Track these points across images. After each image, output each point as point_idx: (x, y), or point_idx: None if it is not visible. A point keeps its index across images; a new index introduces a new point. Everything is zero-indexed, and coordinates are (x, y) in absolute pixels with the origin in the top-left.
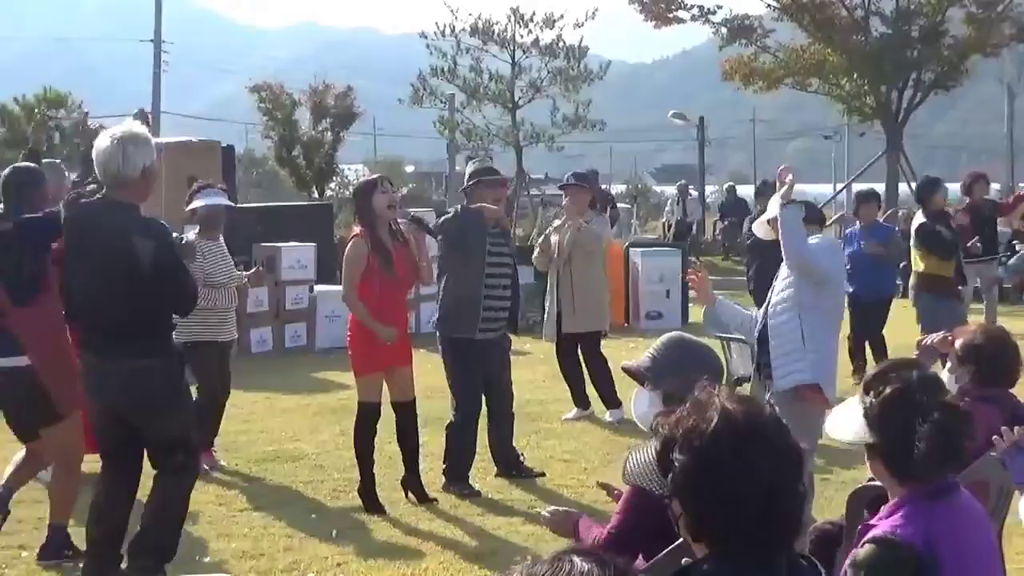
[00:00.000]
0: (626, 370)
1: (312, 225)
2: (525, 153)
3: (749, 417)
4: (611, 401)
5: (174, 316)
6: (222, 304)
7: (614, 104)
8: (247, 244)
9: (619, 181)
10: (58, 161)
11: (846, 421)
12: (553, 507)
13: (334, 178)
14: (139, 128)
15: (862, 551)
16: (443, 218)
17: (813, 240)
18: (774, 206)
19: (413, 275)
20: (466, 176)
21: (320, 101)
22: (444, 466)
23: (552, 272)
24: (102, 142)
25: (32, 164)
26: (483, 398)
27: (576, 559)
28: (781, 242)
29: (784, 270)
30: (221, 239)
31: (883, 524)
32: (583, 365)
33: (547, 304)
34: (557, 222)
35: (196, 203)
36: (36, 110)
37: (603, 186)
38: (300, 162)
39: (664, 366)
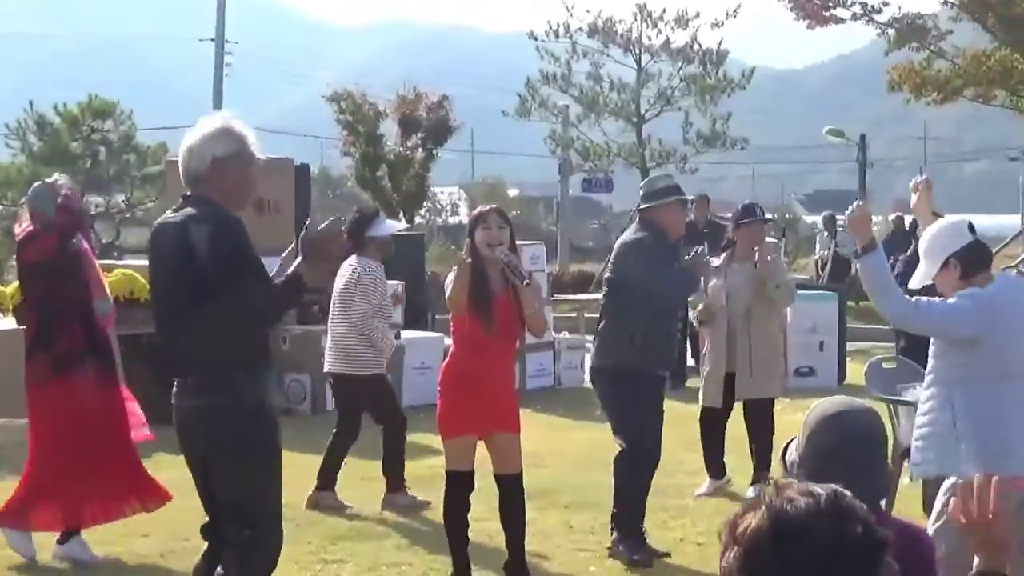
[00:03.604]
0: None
1: (399, 258)
2: (652, 175)
3: (788, 515)
4: (764, 468)
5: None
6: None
7: (758, 118)
8: (324, 279)
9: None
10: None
11: None
12: None
13: (425, 203)
14: (221, 119)
15: None
16: (623, 241)
17: (963, 294)
18: (924, 262)
19: (517, 328)
20: (641, 193)
21: (410, 112)
22: (613, 511)
23: (717, 323)
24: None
25: None
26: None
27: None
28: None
29: None
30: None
31: None
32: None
33: (707, 362)
34: (716, 261)
35: (372, 232)
36: (80, 121)
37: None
38: (385, 184)
39: (817, 467)
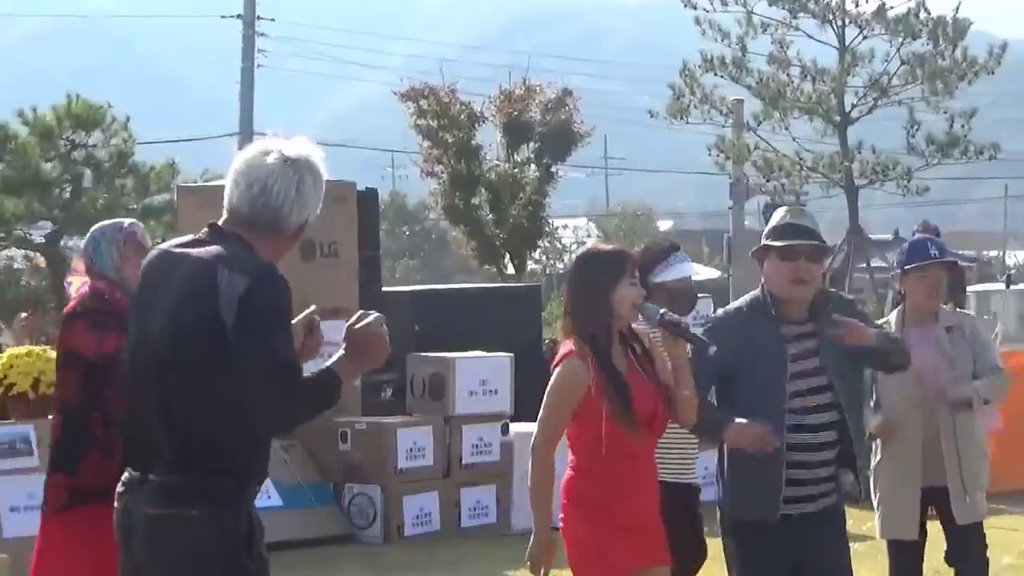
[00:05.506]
0: None
1: (506, 321)
2: (863, 197)
3: None
4: None
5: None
6: None
7: (1012, 114)
8: (398, 351)
9: (1020, 244)
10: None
11: None
12: None
13: (541, 241)
14: (320, 160)
15: None
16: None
17: None
18: None
19: (661, 421)
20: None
21: (518, 113)
22: None
23: (911, 423)
24: (256, 155)
25: None
26: None
27: None
28: None
29: None
30: None
31: None
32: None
33: (884, 473)
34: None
35: (661, 275)
36: (56, 132)
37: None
38: (485, 215)
39: None
